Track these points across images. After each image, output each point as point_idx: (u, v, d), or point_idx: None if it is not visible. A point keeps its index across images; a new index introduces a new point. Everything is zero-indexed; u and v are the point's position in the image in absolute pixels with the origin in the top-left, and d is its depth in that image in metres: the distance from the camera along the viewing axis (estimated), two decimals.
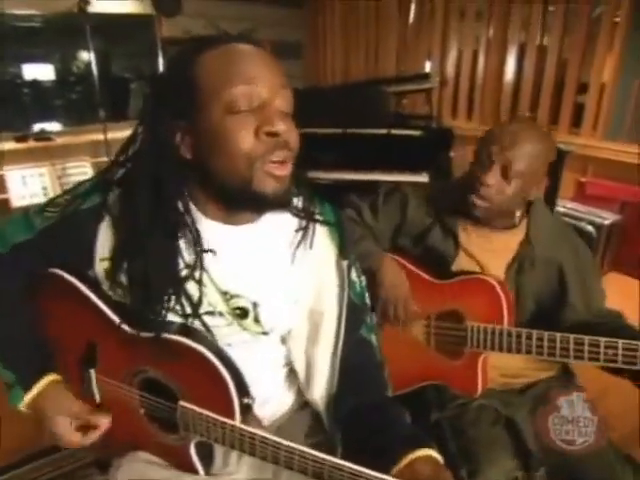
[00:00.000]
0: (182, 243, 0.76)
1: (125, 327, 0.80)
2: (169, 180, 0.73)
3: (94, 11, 3.19)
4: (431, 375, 1.18)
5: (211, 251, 0.78)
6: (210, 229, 0.77)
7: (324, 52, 4.64)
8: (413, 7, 3.74)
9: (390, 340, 1.19)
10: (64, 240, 0.80)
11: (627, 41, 2.73)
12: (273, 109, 0.70)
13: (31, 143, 3.47)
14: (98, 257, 0.79)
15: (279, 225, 0.83)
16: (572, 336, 0.99)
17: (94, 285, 0.82)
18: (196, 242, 0.76)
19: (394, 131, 2.68)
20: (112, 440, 0.87)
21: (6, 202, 3.33)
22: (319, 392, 0.87)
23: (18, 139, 3.46)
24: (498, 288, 1.09)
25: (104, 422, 0.84)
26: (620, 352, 0.96)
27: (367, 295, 0.94)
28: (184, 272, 0.76)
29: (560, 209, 2.72)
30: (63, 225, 0.79)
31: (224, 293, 0.80)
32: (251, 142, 0.68)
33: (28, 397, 0.81)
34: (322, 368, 0.86)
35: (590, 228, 2.69)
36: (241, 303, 0.81)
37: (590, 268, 1.20)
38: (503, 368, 1.20)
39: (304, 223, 0.83)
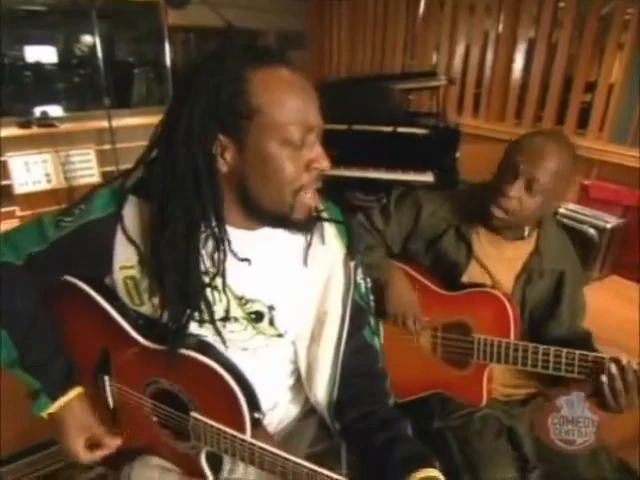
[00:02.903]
0: (203, 250, 0.77)
1: (140, 339, 0.81)
2: (204, 191, 0.71)
3: None
4: (437, 384, 1.19)
5: (246, 260, 0.79)
6: (228, 234, 0.77)
7: (329, 44, 4.59)
8: (422, 0, 3.70)
9: (397, 348, 1.21)
10: (79, 250, 0.80)
11: (638, 39, 2.70)
12: (319, 144, 0.74)
13: (34, 129, 3.45)
14: (117, 265, 0.79)
15: None
16: (577, 352, 1.01)
17: (109, 294, 0.82)
18: (224, 251, 0.76)
19: (400, 129, 2.67)
20: (126, 443, 0.88)
21: (9, 188, 3.33)
22: (321, 392, 0.89)
23: (21, 125, 3.44)
24: (506, 302, 1.10)
25: (114, 444, 0.86)
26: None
27: (372, 297, 0.96)
28: (205, 279, 0.77)
29: (562, 211, 2.73)
30: (78, 235, 0.79)
31: (239, 298, 0.81)
32: (301, 175, 0.73)
33: (54, 406, 0.82)
34: (324, 367, 0.88)
35: (592, 231, 2.69)
36: (256, 307, 0.83)
37: (581, 285, 1.22)
38: (504, 378, 1.22)
39: (312, 223, 0.84)
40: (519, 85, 3.34)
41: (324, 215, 0.87)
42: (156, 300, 0.79)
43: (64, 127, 3.57)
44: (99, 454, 0.85)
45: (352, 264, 0.87)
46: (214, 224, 0.74)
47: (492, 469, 1.03)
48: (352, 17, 4.33)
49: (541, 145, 1.04)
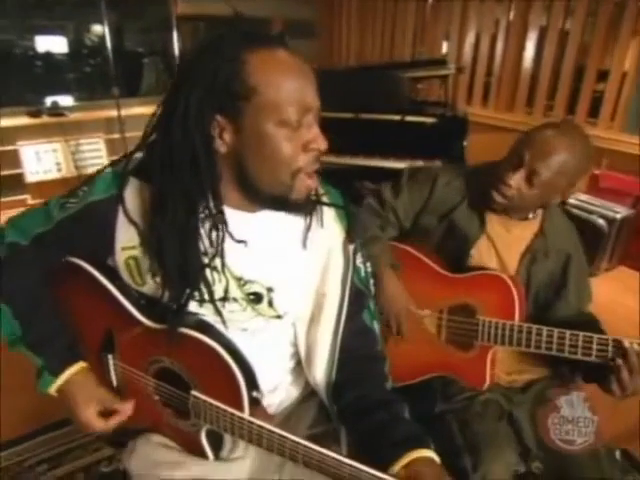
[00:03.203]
0: (202, 231, 0.77)
1: (142, 318, 0.82)
2: (202, 172, 0.72)
3: None
4: (441, 366, 1.19)
5: (242, 242, 0.79)
6: (228, 216, 0.78)
7: (338, 32, 4.56)
8: None
9: None
10: (82, 230, 0.81)
11: None
12: (317, 126, 0.74)
13: (45, 118, 3.48)
14: (119, 246, 0.80)
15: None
16: (581, 334, 1.00)
17: (112, 275, 0.83)
18: (222, 232, 0.77)
19: (408, 117, 2.65)
20: (129, 422, 0.89)
21: (20, 177, 3.36)
22: (320, 374, 0.89)
23: (32, 114, 3.47)
24: (512, 285, 1.10)
25: (127, 409, 0.87)
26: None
27: (372, 282, 0.96)
28: (205, 259, 0.78)
29: (572, 201, 2.70)
30: (81, 215, 0.80)
31: (238, 279, 0.82)
32: (299, 155, 0.73)
33: (57, 383, 0.83)
34: (322, 349, 0.88)
35: (601, 222, 2.65)
36: (255, 288, 0.83)
37: (586, 273, 1.22)
38: (509, 364, 1.22)
39: (311, 206, 0.84)
40: (530, 74, 3.29)
41: (324, 199, 0.87)
42: (157, 280, 0.80)
43: (74, 116, 3.60)
44: (113, 422, 0.85)
45: (351, 247, 0.87)
46: (212, 205, 0.75)
47: (493, 451, 1.03)
48: (362, 5, 4.30)
49: (550, 140, 1.03)
